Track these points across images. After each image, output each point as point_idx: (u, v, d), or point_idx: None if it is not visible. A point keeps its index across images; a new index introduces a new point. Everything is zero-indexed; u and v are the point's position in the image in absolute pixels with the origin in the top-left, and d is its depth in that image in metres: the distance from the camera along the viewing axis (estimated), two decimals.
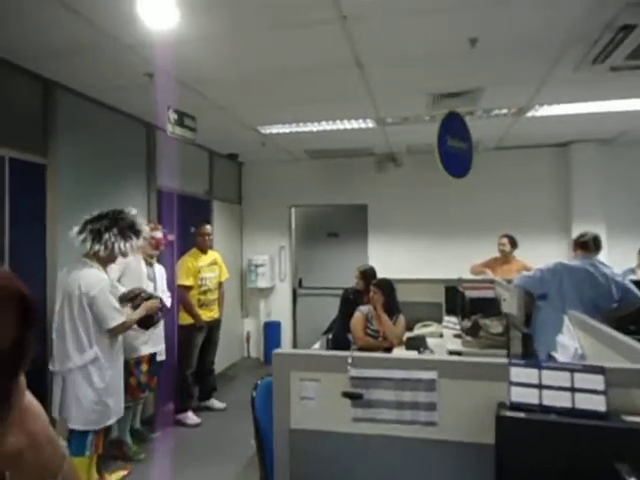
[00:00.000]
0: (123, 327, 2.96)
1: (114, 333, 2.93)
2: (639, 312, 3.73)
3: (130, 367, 3.67)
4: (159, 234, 3.94)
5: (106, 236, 2.86)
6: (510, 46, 2.94)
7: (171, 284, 4.51)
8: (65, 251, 3.53)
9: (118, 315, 2.91)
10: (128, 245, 2.93)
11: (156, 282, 3.91)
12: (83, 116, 3.79)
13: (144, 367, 3.76)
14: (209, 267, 4.73)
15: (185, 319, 4.55)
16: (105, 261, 2.94)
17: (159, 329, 3.77)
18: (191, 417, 4.50)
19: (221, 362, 5.71)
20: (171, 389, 4.54)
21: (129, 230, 2.96)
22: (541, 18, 2.59)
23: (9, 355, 0.58)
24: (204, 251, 4.74)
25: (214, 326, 4.83)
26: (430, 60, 3.19)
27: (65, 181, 3.57)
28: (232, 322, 6.48)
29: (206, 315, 4.65)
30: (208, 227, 4.78)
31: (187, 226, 4.79)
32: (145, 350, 3.74)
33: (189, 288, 4.53)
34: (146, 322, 3.24)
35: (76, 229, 2.91)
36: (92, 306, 2.82)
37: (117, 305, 2.95)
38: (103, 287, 2.86)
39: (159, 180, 4.78)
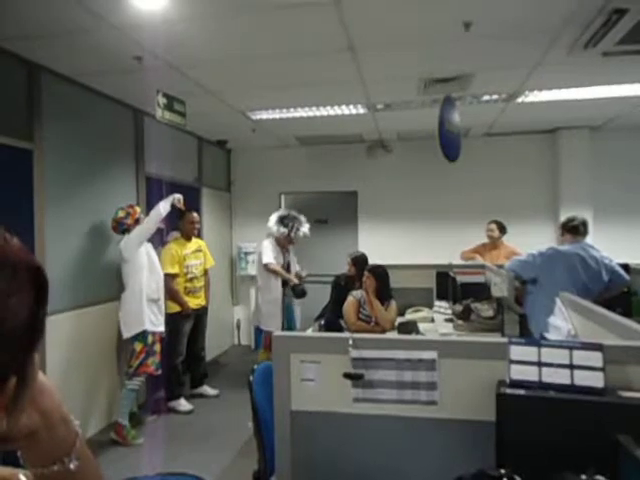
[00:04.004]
0: (268, 266, 4.84)
1: (267, 268, 4.85)
2: (626, 294, 3.82)
3: (148, 346, 3.84)
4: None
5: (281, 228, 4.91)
6: (504, 30, 2.94)
7: None
8: (53, 237, 3.48)
9: (267, 259, 4.85)
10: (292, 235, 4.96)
11: None
12: (70, 101, 3.71)
13: (157, 347, 3.93)
14: (194, 254, 4.72)
15: (172, 307, 4.52)
16: (279, 241, 4.98)
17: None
18: (183, 404, 4.50)
19: (212, 350, 5.71)
20: (161, 377, 4.53)
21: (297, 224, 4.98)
22: (536, 1, 2.59)
23: (25, 331, 0.57)
24: (189, 238, 4.72)
25: (201, 313, 4.84)
26: (424, 44, 3.17)
27: (52, 166, 3.50)
28: (222, 310, 6.46)
29: (193, 302, 4.65)
30: (195, 215, 4.76)
31: (176, 213, 4.74)
32: (161, 327, 4.01)
33: (175, 276, 4.51)
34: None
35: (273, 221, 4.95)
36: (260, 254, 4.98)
37: (269, 255, 4.87)
38: (265, 247, 4.94)
39: (148, 167, 4.71)
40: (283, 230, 4.92)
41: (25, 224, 3.26)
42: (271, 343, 4.92)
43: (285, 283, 4.98)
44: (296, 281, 5.00)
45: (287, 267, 5.08)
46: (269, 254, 4.88)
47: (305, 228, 5.04)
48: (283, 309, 4.96)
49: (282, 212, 5.10)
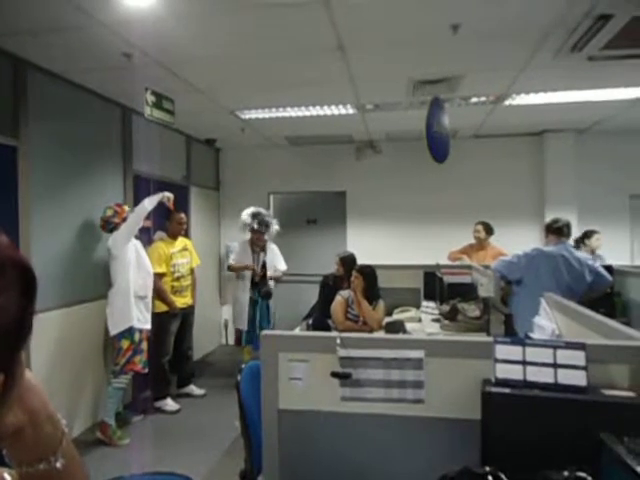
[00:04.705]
0: (230, 266, 5.20)
1: (230, 269, 5.26)
2: (609, 295, 3.89)
3: (135, 344, 3.82)
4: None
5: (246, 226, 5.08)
6: (492, 32, 2.97)
7: None
8: (40, 234, 3.44)
9: (230, 260, 5.25)
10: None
11: None
12: (57, 97, 3.67)
13: (144, 345, 3.92)
14: (180, 253, 4.70)
15: (159, 307, 4.50)
16: (251, 241, 5.15)
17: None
18: (170, 404, 4.47)
19: (199, 349, 5.68)
20: (148, 377, 4.50)
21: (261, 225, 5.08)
22: (523, 4, 2.62)
23: (13, 329, 0.57)
24: (175, 238, 4.70)
25: (188, 312, 4.83)
26: (413, 45, 3.19)
27: (38, 164, 3.46)
28: (210, 309, 6.44)
29: (180, 302, 4.63)
30: (183, 215, 4.75)
31: (164, 212, 4.72)
32: (148, 325, 3.99)
33: (162, 275, 4.49)
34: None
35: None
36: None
37: (231, 257, 5.28)
38: (236, 245, 5.49)
39: (136, 165, 4.68)
40: (247, 226, 5.11)
41: (9, 221, 3.22)
42: (240, 340, 5.18)
43: (255, 284, 5.06)
44: (259, 271, 5.10)
45: (263, 267, 5.12)
46: (232, 256, 5.27)
47: (269, 224, 5.17)
48: (253, 309, 5.04)
49: (249, 210, 5.18)
